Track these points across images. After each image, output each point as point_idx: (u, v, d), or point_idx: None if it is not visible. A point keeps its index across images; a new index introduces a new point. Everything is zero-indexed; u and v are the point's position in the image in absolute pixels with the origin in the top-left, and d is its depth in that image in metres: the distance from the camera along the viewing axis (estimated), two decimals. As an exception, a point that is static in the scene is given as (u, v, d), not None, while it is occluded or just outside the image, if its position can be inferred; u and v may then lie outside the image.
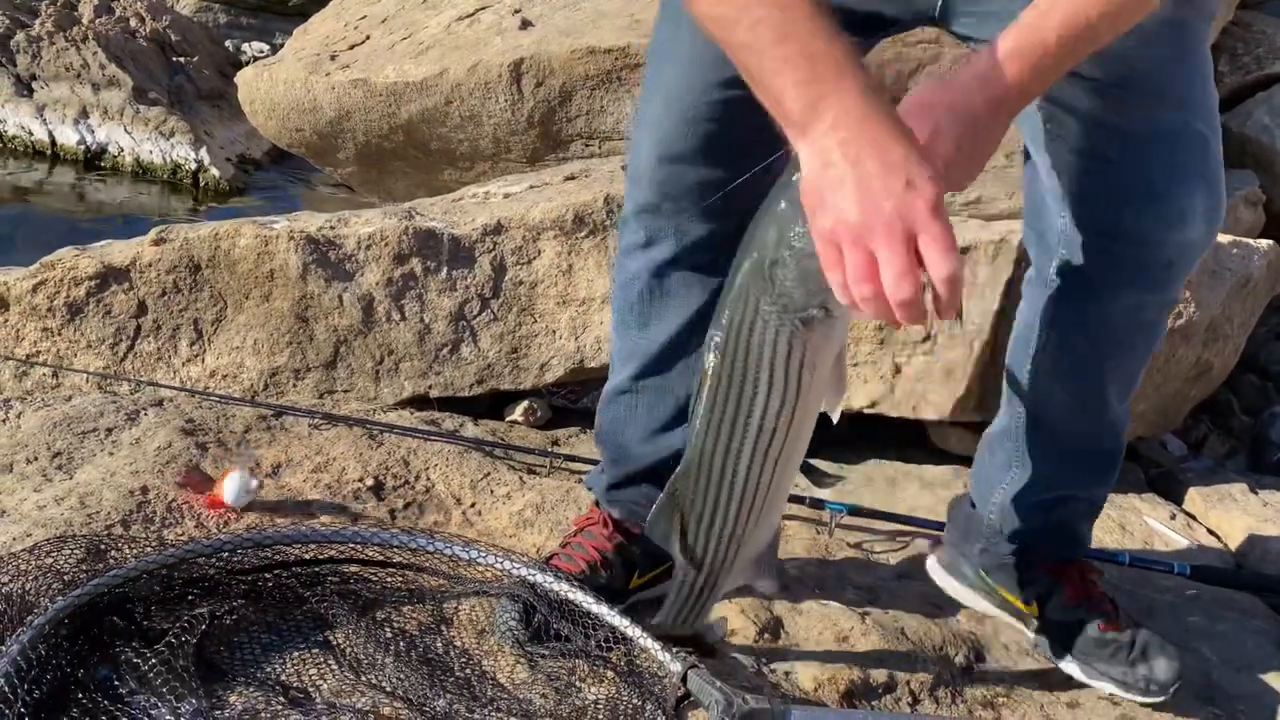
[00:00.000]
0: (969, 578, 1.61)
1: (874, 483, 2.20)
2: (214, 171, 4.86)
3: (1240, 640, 1.76)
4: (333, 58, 3.47)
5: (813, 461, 2.28)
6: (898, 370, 2.13)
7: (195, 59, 5.41)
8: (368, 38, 3.60)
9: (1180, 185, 1.26)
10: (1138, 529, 2.15)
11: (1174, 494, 2.33)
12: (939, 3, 1.28)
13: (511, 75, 2.98)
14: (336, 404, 2.09)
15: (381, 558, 1.58)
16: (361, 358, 2.10)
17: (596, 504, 1.60)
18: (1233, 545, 2.12)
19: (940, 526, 1.92)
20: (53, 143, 4.84)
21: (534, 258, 2.10)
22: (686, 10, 1.03)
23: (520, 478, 1.89)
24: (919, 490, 2.16)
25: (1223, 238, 2.20)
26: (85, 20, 5.31)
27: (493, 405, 2.20)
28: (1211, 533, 2.17)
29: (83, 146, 4.86)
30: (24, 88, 4.86)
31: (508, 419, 2.17)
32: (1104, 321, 1.35)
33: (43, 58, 4.93)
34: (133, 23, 5.43)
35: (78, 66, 4.91)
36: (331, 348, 2.09)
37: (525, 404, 2.15)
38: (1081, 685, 1.53)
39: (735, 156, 1.31)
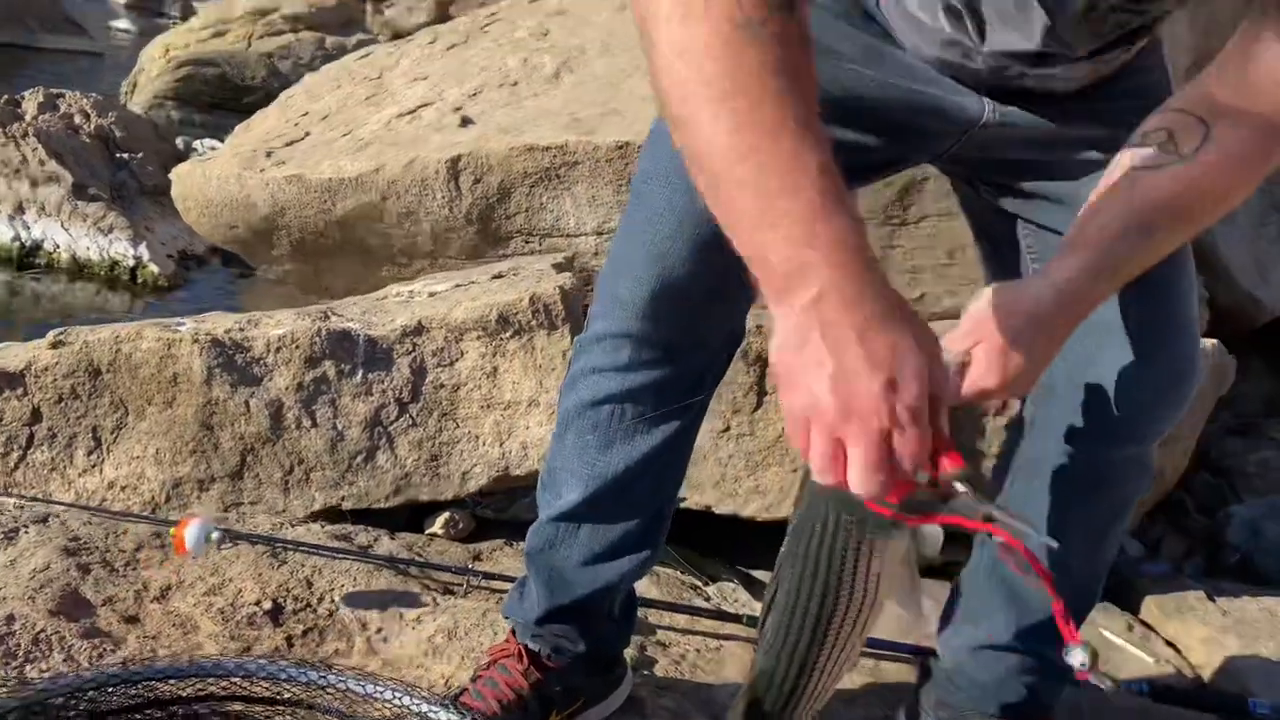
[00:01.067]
0: None
1: (817, 595, 2.08)
2: (153, 268, 4.75)
3: (1204, 767, 1.65)
4: (269, 154, 3.41)
5: (754, 574, 2.17)
6: (839, 476, 2.03)
7: (140, 155, 5.34)
8: (307, 134, 3.55)
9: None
10: (1094, 642, 2.04)
11: (1131, 603, 2.22)
12: (950, 146, 1.23)
13: (449, 172, 2.94)
14: (241, 517, 1.96)
15: (270, 694, 1.43)
16: (270, 467, 1.97)
17: (514, 632, 1.47)
18: (1192, 658, 2.01)
19: (884, 645, 1.81)
20: (-14, 240, 4.71)
21: (456, 359, 2.00)
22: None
23: (434, 598, 1.75)
24: (864, 603, 2.05)
25: (1168, 336, 2.15)
26: (29, 116, 5.24)
27: (412, 517, 2.07)
28: (1170, 644, 2.06)
29: (17, 243, 4.74)
30: (-42, 184, 4.75)
31: (427, 531, 2.04)
32: (1069, 469, 1.26)
33: (-20, 154, 4.83)
34: (77, 119, 5.37)
35: (16, 162, 4.82)
36: (238, 457, 1.97)
37: (446, 515, 2.03)
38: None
39: (738, 290, 1.22)
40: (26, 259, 4.75)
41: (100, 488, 1.98)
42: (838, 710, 1.66)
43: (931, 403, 0.80)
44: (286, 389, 1.94)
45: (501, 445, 2.00)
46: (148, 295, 4.81)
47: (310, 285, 3.57)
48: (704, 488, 2.03)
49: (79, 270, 4.74)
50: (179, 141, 6.59)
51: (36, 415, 1.97)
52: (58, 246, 4.75)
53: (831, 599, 1.02)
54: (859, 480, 0.80)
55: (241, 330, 1.95)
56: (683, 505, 2.03)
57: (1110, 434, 1.22)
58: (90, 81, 9.25)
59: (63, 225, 4.72)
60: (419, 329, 1.99)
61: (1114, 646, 2.03)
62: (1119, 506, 1.30)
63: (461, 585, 1.80)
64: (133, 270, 4.75)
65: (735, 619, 1.80)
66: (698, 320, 1.27)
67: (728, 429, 2.01)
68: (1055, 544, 0.92)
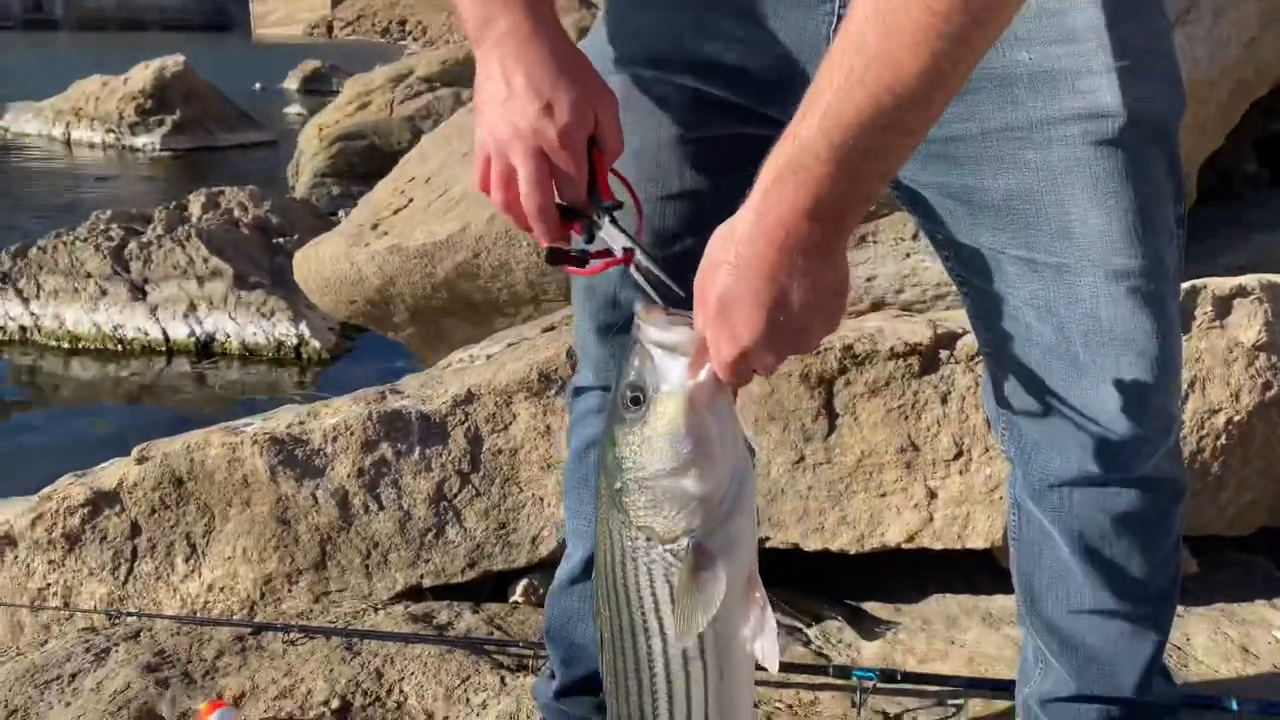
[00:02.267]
0: None
1: (931, 625, 1.89)
2: (315, 343, 4.99)
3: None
4: (374, 226, 3.48)
5: (863, 606, 2.00)
6: (932, 495, 1.84)
7: (295, 236, 5.63)
8: (411, 200, 3.61)
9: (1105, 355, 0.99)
10: (1265, 650, 1.75)
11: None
12: None
13: (530, 217, 2.91)
14: (328, 607, 1.97)
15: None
16: (349, 554, 1.98)
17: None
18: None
19: (991, 685, 1.62)
20: (166, 339, 5.09)
21: (510, 423, 1.94)
22: None
23: (502, 678, 1.70)
24: (981, 629, 1.84)
25: (1311, 280, 1.83)
26: (194, 218, 5.62)
27: (499, 584, 2.03)
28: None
29: (193, 339, 5.09)
30: (138, 292, 5.15)
31: (511, 600, 1.99)
32: (1064, 514, 1.07)
33: (153, 261, 5.22)
34: (236, 213, 5.72)
35: (184, 264, 5.18)
36: (317, 547, 1.98)
37: (525, 583, 1.97)
38: None
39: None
40: (204, 350, 5.09)
41: (201, 591, 2.05)
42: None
43: (596, 147, 0.93)
44: (349, 476, 1.94)
45: (568, 505, 1.92)
46: (314, 368, 5.05)
47: (435, 348, 3.63)
48: (787, 525, 1.88)
49: (250, 354, 5.04)
50: (341, 215, 6.93)
51: (136, 529, 2.05)
52: (228, 336, 5.06)
53: (644, 639, 0.85)
54: (525, 194, 0.92)
55: (301, 423, 1.97)
56: (767, 545, 1.89)
57: (1087, 471, 1.02)
58: (268, 169, 9.89)
59: (230, 315, 5.03)
60: (469, 397, 1.94)
61: (1290, 653, 1.74)
62: (1145, 534, 1.08)
63: (534, 657, 1.74)
64: (297, 348, 5.00)
65: (819, 669, 1.66)
66: None
67: (801, 459, 1.86)
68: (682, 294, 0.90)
